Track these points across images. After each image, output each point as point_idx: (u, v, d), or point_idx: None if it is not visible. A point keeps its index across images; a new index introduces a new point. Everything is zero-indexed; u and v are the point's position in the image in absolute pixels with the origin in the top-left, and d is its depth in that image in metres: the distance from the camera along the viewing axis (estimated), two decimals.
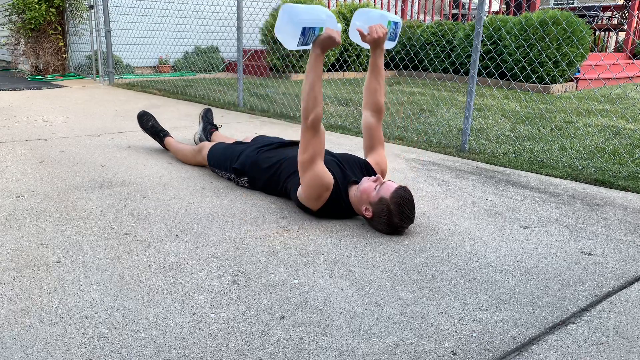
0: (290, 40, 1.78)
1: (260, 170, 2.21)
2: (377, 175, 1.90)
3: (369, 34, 1.99)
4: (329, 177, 1.88)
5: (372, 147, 2.17)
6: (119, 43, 7.57)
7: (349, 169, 2.03)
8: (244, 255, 1.64)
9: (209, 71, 8.33)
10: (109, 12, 6.50)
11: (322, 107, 1.82)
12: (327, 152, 2.18)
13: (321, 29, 1.80)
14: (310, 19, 1.76)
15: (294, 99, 5.18)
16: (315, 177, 1.86)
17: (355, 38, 2.05)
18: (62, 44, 7.47)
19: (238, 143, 2.49)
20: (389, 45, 2.11)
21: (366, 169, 2.09)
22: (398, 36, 2.14)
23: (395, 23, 2.08)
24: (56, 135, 3.33)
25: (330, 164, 1.99)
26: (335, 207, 1.94)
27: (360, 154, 3.00)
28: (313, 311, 1.33)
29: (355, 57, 7.95)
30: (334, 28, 1.84)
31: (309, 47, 1.85)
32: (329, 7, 8.70)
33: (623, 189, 2.50)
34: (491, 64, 6.52)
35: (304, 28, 1.75)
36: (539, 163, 2.93)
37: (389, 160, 2.92)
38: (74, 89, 6.04)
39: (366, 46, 2.07)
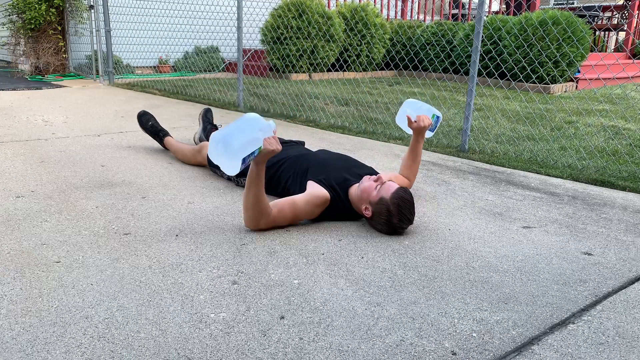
0: (231, 169, 1.68)
1: None
2: (378, 175, 1.90)
3: (416, 121, 2.18)
4: (321, 193, 1.89)
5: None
6: (119, 43, 7.57)
7: (350, 170, 2.03)
8: (244, 255, 1.64)
9: (209, 71, 8.33)
10: (109, 12, 6.51)
11: (270, 209, 1.80)
12: (328, 152, 2.18)
13: (259, 148, 1.69)
14: (246, 144, 1.66)
15: (294, 99, 5.18)
16: (309, 204, 1.87)
17: (401, 123, 2.27)
18: (62, 44, 7.47)
19: None
20: (428, 135, 2.32)
21: (368, 172, 2.10)
22: (436, 129, 2.37)
23: (438, 117, 2.29)
24: (56, 135, 3.33)
25: (329, 165, 2.00)
26: (336, 212, 1.95)
27: (361, 154, 3.00)
28: (313, 311, 1.33)
29: (355, 57, 7.95)
30: (269, 134, 1.72)
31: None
32: (329, 7, 8.70)
33: (623, 189, 2.50)
34: (491, 64, 6.52)
35: (244, 158, 1.66)
36: (539, 163, 2.93)
37: (389, 160, 2.92)
38: (74, 89, 6.04)
39: (409, 131, 2.26)
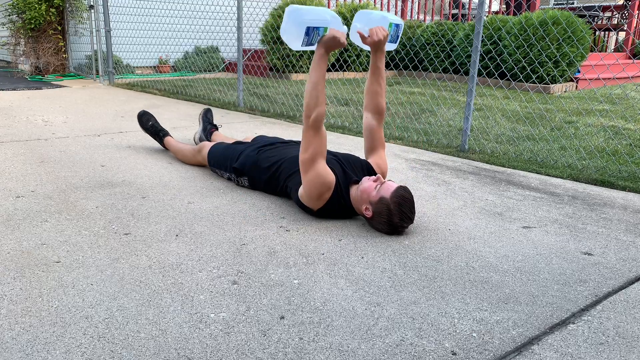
0: (294, 41, 1.80)
1: (260, 170, 2.21)
2: (377, 175, 1.90)
3: (369, 36, 1.97)
4: (330, 177, 1.88)
5: (373, 148, 2.17)
6: (119, 43, 7.57)
7: (350, 169, 2.03)
8: (244, 255, 1.64)
9: (209, 71, 8.33)
10: (109, 12, 6.50)
11: (325, 106, 1.84)
12: (328, 152, 2.18)
13: (325, 29, 1.82)
14: (314, 19, 1.78)
15: (294, 99, 5.18)
16: (317, 176, 1.86)
17: (355, 40, 2.04)
18: (62, 44, 7.47)
19: (238, 143, 2.49)
20: (390, 47, 2.10)
21: (367, 170, 2.09)
22: (399, 38, 2.14)
23: (397, 25, 2.07)
24: (56, 135, 3.33)
25: (331, 163, 1.99)
26: (336, 207, 1.94)
27: (361, 154, 3.00)
28: (313, 311, 1.33)
29: (355, 57, 7.95)
30: (338, 29, 1.85)
31: (314, 47, 1.87)
32: (329, 7, 8.71)
33: (623, 189, 2.50)
34: (491, 64, 6.52)
35: (308, 28, 1.77)
36: (539, 163, 2.93)
37: (389, 160, 2.92)
38: (74, 89, 6.04)
39: (367, 48, 2.06)
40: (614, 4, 9.49)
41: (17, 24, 7.39)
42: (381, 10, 9.05)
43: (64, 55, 7.57)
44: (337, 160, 2.05)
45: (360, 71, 8.14)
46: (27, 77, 7.31)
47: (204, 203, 2.12)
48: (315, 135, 1.85)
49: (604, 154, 3.13)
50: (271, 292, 1.42)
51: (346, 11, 7.74)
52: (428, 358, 1.15)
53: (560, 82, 6.39)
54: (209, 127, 2.99)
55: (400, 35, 2.12)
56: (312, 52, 7.30)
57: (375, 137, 2.14)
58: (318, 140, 1.86)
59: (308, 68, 7.50)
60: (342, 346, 1.18)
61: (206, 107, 3.27)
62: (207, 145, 2.58)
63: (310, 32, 1.77)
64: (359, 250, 1.70)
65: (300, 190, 1.96)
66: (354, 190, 1.94)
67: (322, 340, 1.20)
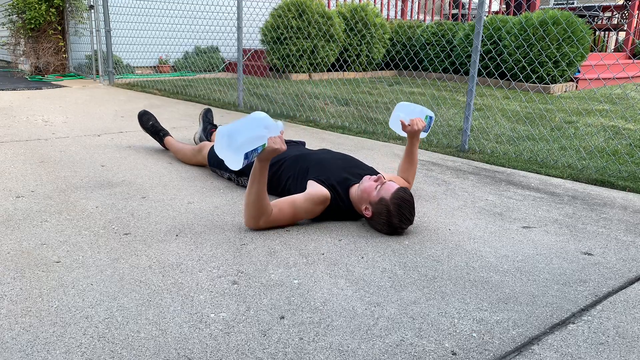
0: (234, 164, 1.70)
1: None
2: (378, 175, 1.90)
3: (409, 125, 2.18)
4: (321, 192, 1.89)
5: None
6: (119, 43, 7.57)
7: (350, 170, 2.03)
8: (244, 255, 1.64)
9: (209, 71, 8.33)
10: (109, 12, 6.50)
11: (271, 208, 1.81)
12: (329, 152, 2.18)
13: (264, 145, 1.70)
14: (250, 140, 1.68)
15: (294, 99, 5.18)
16: (309, 202, 1.87)
17: (395, 127, 2.28)
18: (62, 44, 7.47)
19: None
20: (422, 135, 2.30)
21: (368, 171, 2.09)
22: (430, 128, 2.38)
23: (431, 117, 2.28)
24: (56, 135, 3.33)
25: (330, 165, 2.00)
26: (336, 211, 1.95)
27: (360, 154, 3.00)
28: (313, 311, 1.33)
29: (355, 57, 7.95)
30: (275, 133, 1.73)
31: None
32: (329, 7, 8.70)
33: (623, 189, 2.50)
34: (491, 64, 6.52)
35: (246, 153, 1.67)
36: (539, 163, 2.93)
37: (389, 160, 2.92)
38: (74, 89, 6.04)
39: (403, 134, 2.27)
40: (614, 4, 9.49)
41: (17, 24, 7.39)
42: (380, 10, 9.05)
43: (64, 55, 7.57)
44: (338, 161, 2.05)
45: (360, 71, 8.14)
46: (27, 77, 7.31)
47: (204, 203, 2.12)
48: (275, 224, 1.85)
49: (604, 154, 3.13)
50: (271, 292, 1.42)
51: (346, 11, 7.74)
52: (428, 358, 1.15)
53: (560, 82, 6.39)
54: (209, 127, 2.99)
55: (431, 126, 2.35)
56: (311, 51, 7.31)
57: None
58: (282, 221, 1.86)
59: (308, 68, 7.51)
60: (342, 346, 1.18)
61: (206, 107, 3.27)
62: (207, 145, 2.58)
63: (249, 155, 1.68)
64: (359, 250, 1.70)
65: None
66: (354, 190, 1.94)
67: (322, 340, 1.20)
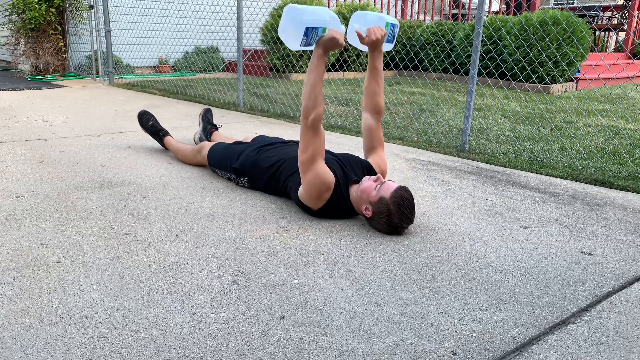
0: (293, 41, 1.78)
1: (260, 170, 2.21)
2: (377, 175, 1.90)
3: (367, 35, 1.99)
4: (330, 177, 1.88)
5: (372, 148, 2.18)
6: (119, 43, 7.57)
7: (350, 169, 2.03)
8: (244, 255, 1.64)
9: (209, 71, 8.33)
10: (109, 12, 6.50)
11: (323, 107, 1.83)
12: (328, 152, 2.18)
13: (324, 29, 1.81)
14: (313, 19, 1.77)
15: (294, 99, 5.18)
16: (316, 176, 1.86)
17: (353, 41, 2.05)
18: (62, 44, 7.47)
19: (238, 143, 2.49)
20: (387, 47, 2.11)
21: (367, 169, 2.09)
22: (395, 38, 2.17)
23: (393, 25, 2.08)
24: (56, 135, 3.33)
25: (331, 163, 1.99)
26: (336, 207, 1.94)
27: (361, 154, 3.00)
28: (313, 311, 1.33)
29: (355, 57, 7.95)
30: (337, 29, 1.84)
31: (312, 47, 1.85)
32: (329, 7, 8.71)
33: (623, 189, 2.50)
34: (491, 64, 6.52)
35: (307, 29, 1.75)
36: (539, 163, 2.93)
37: (389, 160, 2.92)
38: (74, 89, 6.04)
39: (364, 48, 2.07)
40: (614, 4, 9.49)
41: (17, 24, 7.38)
42: (381, 10, 9.05)
43: (64, 55, 7.57)
44: (337, 160, 2.05)
45: (360, 71, 8.14)
46: (27, 77, 7.31)
47: (204, 203, 2.12)
48: (314, 136, 1.85)
49: (604, 154, 3.13)
50: (271, 292, 1.42)
51: (346, 11, 7.74)
52: (428, 358, 1.15)
53: (560, 82, 6.39)
54: (208, 127, 2.99)
55: (396, 35, 2.14)
56: (312, 52, 7.32)
57: (375, 137, 2.16)
58: (317, 141, 1.86)
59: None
60: (342, 346, 1.18)
61: (206, 107, 3.27)
62: (207, 145, 2.58)
63: (309, 33, 1.76)
64: (359, 250, 1.70)
65: (300, 189, 1.96)
66: (354, 190, 1.94)
67: (322, 340, 1.20)
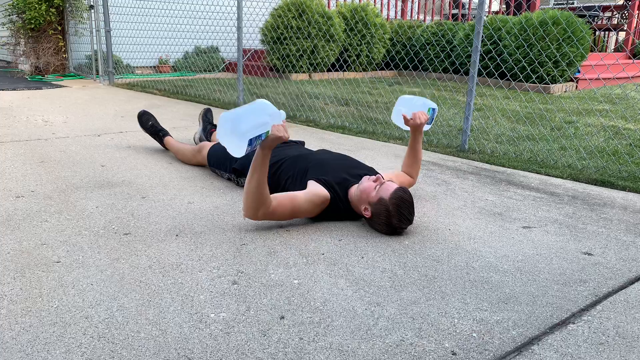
0: (236, 150, 1.68)
1: None
2: (377, 175, 1.90)
3: (412, 119, 2.16)
4: (321, 193, 1.89)
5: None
6: (119, 43, 7.57)
7: (350, 170, 2.03)
8: (244, 255, 1.64)
9: (209, 71, 8.33)
10: (109, 12, 6.50)
11: (270, 200, 1.79)
12: (328, 152, 2.18)
13: (267, 132, 1.69)
14: (254, 126, 1.66)
15: (294, 99, 5.18)
16: (309, 202, 1.87)
17: (398, 122, 2.25)
18: (62, 44, 7.47)
19: None
20: (425, 128, 2.28)
21: (367, 171, 2.09)
22: (434, 120, 2.36)
23: (433, 109, 2.25)
24: (56, 135, 3.33)
25: (330, 166, 2.00)
26: (335, 212, 1.95)
27: (360, 155, 3.00)
28: (313, 311, 1.33)
29: (355, 57, 7.95)
30: (278, 121, 1.73)
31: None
32: (329, 7, 8.71)
33: (623, 189, 2.50)
34: (491, 64, 6.52)
35: (250, 140, 1.66)
36: (539, 163, 2.93)
37: (389, 160, 2.92)
38: (74, 89, 6.04)
39: (406, 128, 2.25)
40: (614, 4, 9.49)
41: (17, 24, 7.39)
42: (381, 10, 9.05)
43: (64, 55, 7.57)
44: (337, 161, 2.05)
45: (360, 71, 8.14)
46: (27, 77, 7.31)
47: (204, 203, 2.12)
48: (277, 214, 1.83)
49: (604, 154, 3.13)
50: (271, 292, 1.42)
51: (346, 11, 7.74)
52: (428, 358, 1.15)
53: (560, 82, 6.39)
54: (209, 127, 2.99)
55: (434, 117, 2.31)
56: (311, 51, 7.31)
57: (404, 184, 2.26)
58: (283, 212, 1.83)
59: (308, 68, 7.52)
60: (342, 346, 1.18)
61: (206, 107, 3.27)
62: (207, 145, 2.58)
63: (253, 141, 1.67)
64: (359, 250, 1.70)
65: None
66: (354, 190, 1.94)
67: (322, 340, 1.20)
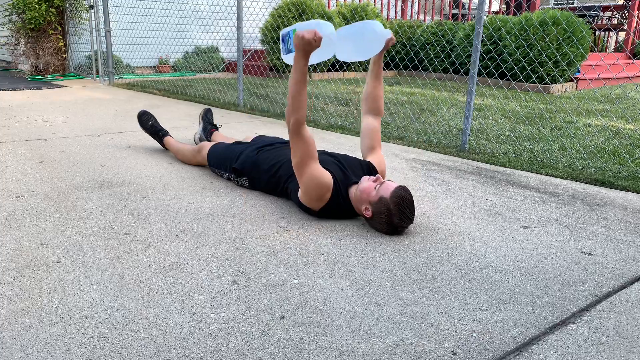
0: (282, 53, 1.86)
1: (260, 170, 2.21)
2: (377, 175, 1.90)
3: (390, 39, 2.00)
4: (327, 177, 1.89)
5: (372, 148, 2.20)
6: (118, 43, 7.57)
7: (349, 170, 2.03)
8: (244, 255, 1.64)
9: (209, 71, 8.33)
10: (109, 12, 6.50)
11: (304, 111, 1.86)
12: (326, 153, 2.18)
13: (294, 31, 1.81)
14: (288, 28, 1.81)
15: None
16: (311, 178, 1.87)
17: (375, 49, 2.03)
18: (62, 44, 7.47)
19: (238, 143, 2.49)
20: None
21: (367, 169, 2.09)
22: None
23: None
24: (56, 135, 3.33)
25: (330, 165, 1.99)
26: (336, 207, 1.94)
27: (359, 154, 3.00)
28: (313, 311, 1.33)
29: None
30: (308, 28, 1.81)
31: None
32: (329, 7, 8.70)
33: (623, 189, 2.50)
34: (491, 64, 6.52)
35: (282, 36, 1.80)
36: (539, 163, 2.93)
37: (389, 160, 2.92)
38: (74, 89, 6.04)
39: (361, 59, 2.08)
40: (614, 4, 9.49)
41: (17, 24, 7.39)
42: (381, 10, 9.05)
43: (64, 55, 7.57)
44: (336, 162, 2.05)
45: (360, 71, 8.14)
46: (27, 77, 7.31)
47: (204, 203, 2.12)
48: (299, 139, 1.86)
49: (604, 154, 3.13)
50: (271, 292, 1.42)
51: (346, 11, 7.74)
52: (428, 358, 1.15)
53: (560, 82, 6.39)
54: (209, 127, 2.99)
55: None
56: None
57: (376, 138, 2.21)
58: (302, 145, 1.86)
59: (308, 68, 7.52)
60: (342, 346, 1.18)
61: (206, 107, 3.27)
62: (207, 146, 2.58)
63: (285, 39, 1.80)
64: (359, 250, 1.70)
65: (300, 192, 1.96)
66: (354, 191, 1.94)
67: (322, 340, 1.20)
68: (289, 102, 1.86)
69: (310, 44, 1.80)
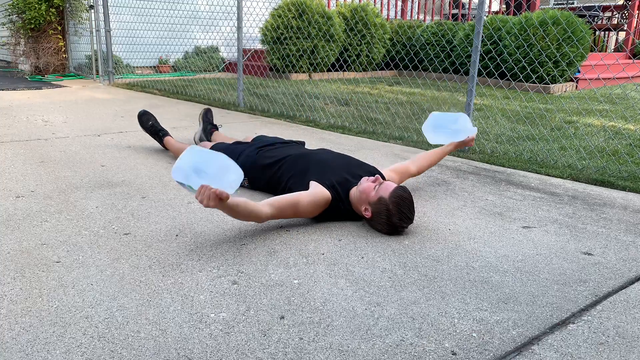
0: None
1: (260, 170, 2.21)
2: (376, 175, 1.90)
3: (470, 139, 2.38)
4: (321, 196, 1.89)
5: (393, 169, 2.25)
6: (118, 43, 7.57)
7: (349, 171, 2.03)
8: (244, 255, 1.64)
9: (209, 71, 8.33)
10: (109, 12, 6.50)
11: (256, 216, 1.72)
12: (329, 152, 2.18)
13: (190, 187, 1.57)
14: (184, 180, 1.57)
15: (294, 99, 5.18)
16: (310, 205, 1.86)
17: (435, 140, 2.42)
18: (62, 44, 7.47)
19: (238, 143, 2.49)
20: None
21: (367, 171, 2.09)
22: None
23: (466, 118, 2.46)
24: (56, 135, 3.33)
25: (332, 168, 2.00)
26: (335, 213, 1.95)
27: (361, 154, 3.00)
28: (313, 311, 1.33)
29: (355, 57, 7.95)
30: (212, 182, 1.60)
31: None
32: (329, 7, 8.71)
33: (623, 189, 2.50)
34: (491, 64, 6.52)
35: (178, 182, 1.58)
36: (539, 163, 2.93)
37: (389, 160, 2.92)
38: (74, 89, 6.04)
39: (438, 143, 2.44)
40: (614, 4, 9.49)
41: (17, 24, 7.39)
42: (381, 10, 9.05)
43: (64, 55, 7.57)
44: (339, 165, 2.05)
45: (360, 71, 8.14)
46: (27, 77, 7.31)
47: None
48: (278, 216, 1.81)
49: (604, 154, 3.13)
50: (271, 292, 1.42)
51: (346, 11, 7.74)
52: (428, 358, 1.15)
53: (560, 82, 6.39)
54: (209, 127, 2.99)
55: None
56: (311, 51, 7.30)
57: (399, 169, 2.24)
58: (282, 214, 1.81)
59: (308, 68, 7.52)
60: (342, 346, 1.18)
61: (206, 107, 3.27)
62: (207, 146, 2.58)
63: (184, 185, 1.58)
64: (359, 250, 1.70)
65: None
66: (354, 192, 1.94)
67: (322, 340, 1.20)
68: (249, 217, 1.72)
69: (217, 205, 1.57)
